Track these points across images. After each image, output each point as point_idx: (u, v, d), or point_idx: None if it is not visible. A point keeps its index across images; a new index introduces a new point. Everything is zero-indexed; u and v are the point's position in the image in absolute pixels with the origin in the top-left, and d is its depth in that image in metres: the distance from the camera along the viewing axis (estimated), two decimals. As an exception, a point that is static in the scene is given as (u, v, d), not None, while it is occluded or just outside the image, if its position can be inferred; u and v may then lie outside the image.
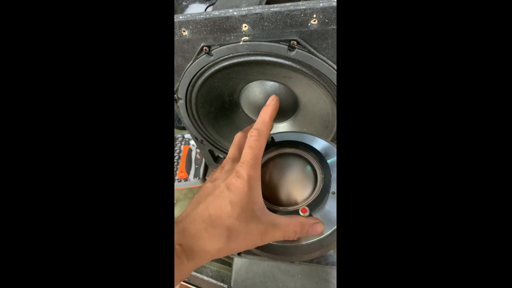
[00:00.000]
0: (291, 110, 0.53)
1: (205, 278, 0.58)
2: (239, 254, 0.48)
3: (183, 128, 0.84)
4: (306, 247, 0.31)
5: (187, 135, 0.79)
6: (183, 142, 0.77)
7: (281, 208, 0.32)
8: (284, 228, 0.27)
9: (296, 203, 0.32)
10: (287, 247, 0.32)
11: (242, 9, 0.35)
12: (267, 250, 0.32)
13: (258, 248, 0.33)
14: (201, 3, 0.49)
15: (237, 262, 0.50)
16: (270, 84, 0.50)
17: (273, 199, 0.32)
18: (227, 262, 0.58)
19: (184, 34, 0.38)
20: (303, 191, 0.32)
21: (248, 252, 0.46)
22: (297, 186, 0.33)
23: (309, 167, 0.33)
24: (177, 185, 0.70)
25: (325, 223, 0.31)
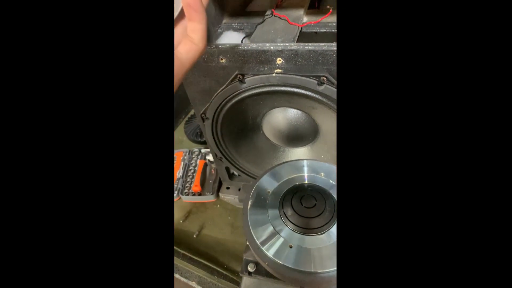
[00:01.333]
0: (310, 137, 0.55)
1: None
2: (249, 273, 0.49)
3: (201, 143, 0.86)
4: (326, 276, 0.32)
5: (204, 150, 0.81)
6: (199, 156, 0.79)
7: None
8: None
9: None
10: (305, 273, 0.33)
11: (279, 44, 0.38)
12: (285, 275, 0.34)
13: (272, 269, 0.34)
14: (235, 31, 0.52)
15: (246, 281, 0.51)
16: (293, 112, 0.52)
17: None
18: (234, 280, 0.59)
19: (221, 61, 0.41)
20: None
21: (258, 273, 0.47)
22: None
23: None
24: (190, 198, 0.72)
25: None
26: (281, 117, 0.54)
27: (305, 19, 0.49)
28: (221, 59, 0.41)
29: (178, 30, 0.23)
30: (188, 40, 0.23)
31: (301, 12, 0.49)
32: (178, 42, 0.23)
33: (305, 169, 0.40)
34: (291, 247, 0.34)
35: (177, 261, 0.60)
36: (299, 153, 0.58)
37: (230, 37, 0.51)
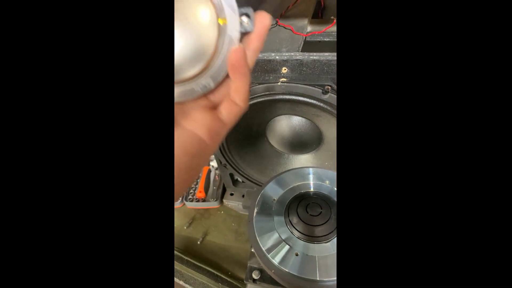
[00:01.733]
0: (314, 144, 0.56)
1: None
2: (254, 281, 0.49)
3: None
4: (331, 285, 0.32)
5: (207, 156, 0.81)
6: (203, 163, 0.80)
7: None
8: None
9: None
10: (310, 281, 0.33)
11: (284, 54, 0.39)
12: (291, 282, 0.34)
13: (278, 276, 0.34)
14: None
15: (250, 288, 0.51)
16: (297, 119, 0.53)
17: None
18: (238, 287, 0.59)
19: (227, 70, 0.42)
20: None
21: (263, 280, 0.47)
22: None
23: None
24: (194, 204, 0.72)
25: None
26: (286, 125, 0.54)
27: (309, 28, 0.49)
28: (227, 68, 0.42)
29: (222, 90, 0.23)
30: (230, 100, 0.22)
31: (305, 21, 0.50)
32: (220, 101, 0.23)
33: (311, 176, 0.40)
34: (297, 255, 0.34)
35: (181, 268, 0.60)
36: (302, 160, 0.59)
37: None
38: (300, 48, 0.44)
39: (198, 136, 0.21)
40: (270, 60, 0.39)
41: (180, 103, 0.21)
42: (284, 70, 0.40)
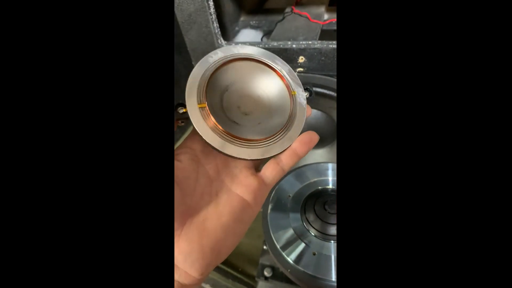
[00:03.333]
0: (329, 138, 0.54)
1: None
2: (266, 278, 0.48)
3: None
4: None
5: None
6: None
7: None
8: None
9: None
10: (326, 281, 0.31)
11: (301, 42, 0.37)
12: (305, 282, 0.32)
13: (293, 275, 0.33)
14: (253, 29, 0.51)
15: (261, 285, 0.50)
16: (313, 112, 0.50)
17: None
18: (249, 284, 0.58)
19: (241, 60, 0.40)
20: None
21: (275, 278, 0.46)
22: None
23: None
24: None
25: None
26: (300, 118, 0.52)
27: (326, 16, 0.47)
28: (241, 57, 0.40)
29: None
30: (276, 164, 0.22)
31: (322, 9, 0.47)
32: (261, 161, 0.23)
33: (330, 172, 0.38)
34: (314, 254, 0.32)
35: (191, 263, 0.60)
36: (317, 155, 0.57)
37: (248, 35, 0.49)
38: (318, 37, 0.42)
39: (246, 201, 0.22)
40: (286, 49, 0.37)
41: (229, 163, 0.23)
42: (301, 59, 0.38)
